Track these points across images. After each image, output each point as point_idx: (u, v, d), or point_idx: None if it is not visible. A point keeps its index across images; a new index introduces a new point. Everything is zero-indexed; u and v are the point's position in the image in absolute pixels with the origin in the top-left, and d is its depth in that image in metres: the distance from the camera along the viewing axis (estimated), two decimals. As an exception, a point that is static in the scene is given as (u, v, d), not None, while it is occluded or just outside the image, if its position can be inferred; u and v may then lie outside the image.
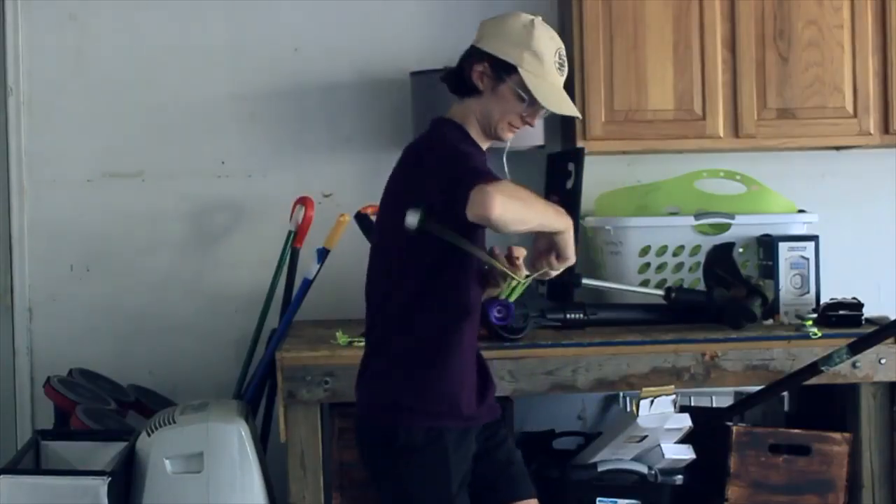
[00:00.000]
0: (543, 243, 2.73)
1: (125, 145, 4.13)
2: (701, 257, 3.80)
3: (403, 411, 2.74)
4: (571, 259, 2.72)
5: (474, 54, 2.78)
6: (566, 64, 2.81)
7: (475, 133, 2.80)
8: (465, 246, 2.66)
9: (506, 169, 3.00)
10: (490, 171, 2.62)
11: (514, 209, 2.55)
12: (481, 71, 2.76)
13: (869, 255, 4.26)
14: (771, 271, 3.77)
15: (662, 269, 3.85)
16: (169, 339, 4.11)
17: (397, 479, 2.77)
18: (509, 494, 2.88)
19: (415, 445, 2.73)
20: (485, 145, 2.84)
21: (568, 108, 2.80)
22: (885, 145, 4.02)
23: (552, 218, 2.67)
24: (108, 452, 3.49)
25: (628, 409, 3.97)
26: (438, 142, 2.75)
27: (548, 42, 2.76)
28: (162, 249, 4.14)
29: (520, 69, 2.73)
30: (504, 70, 2.74)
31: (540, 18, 2.79)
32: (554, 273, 2.75)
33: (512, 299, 2.88)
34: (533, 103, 2.75)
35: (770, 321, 3.70)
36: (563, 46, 2.80)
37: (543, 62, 2.74)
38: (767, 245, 3.80)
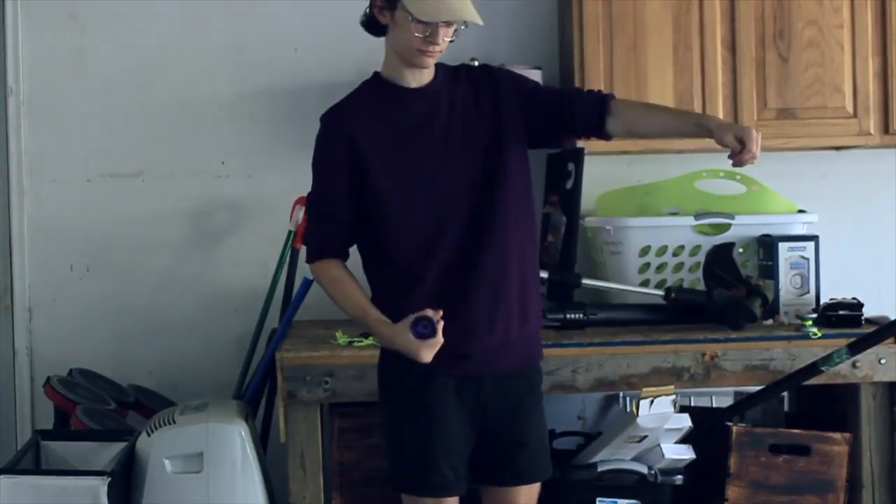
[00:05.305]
0: None
1: (125, 145, 4.13)
2: (701, 257, 3.80)
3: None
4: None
5: None
6: None
7: (392, 69, 2.84)
8: None
9: None
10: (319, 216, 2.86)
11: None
12: (380, 6, 2.78)
13: (869, 255, 4.26)
14: (771, 271, 3.76)
15: (662, 269, 3.85)
16: (169, 339, 4.11)
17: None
18: (512, 480, 2.90)
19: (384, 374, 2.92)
20: (410, 76, 2.83)
21: (447, 12, 2.70)
22: (885, 145, 4.02)
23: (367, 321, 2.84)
24: (108, 452, 3.49)
25: (628, 409, 3.96)
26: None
27: None
28: (162, 249, 4.14)
29: None
30: None
31: None
32: None
33: None
34: (422, 20, 2.71)
35: (770, 321, 3.69)
36: None
37: None
38: (767, 245, 3.80)
